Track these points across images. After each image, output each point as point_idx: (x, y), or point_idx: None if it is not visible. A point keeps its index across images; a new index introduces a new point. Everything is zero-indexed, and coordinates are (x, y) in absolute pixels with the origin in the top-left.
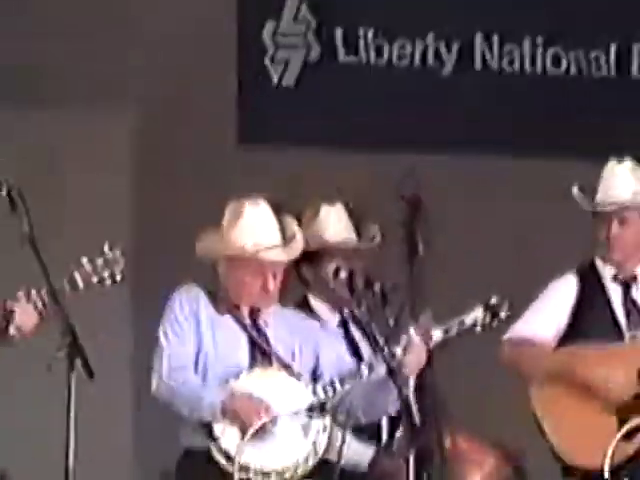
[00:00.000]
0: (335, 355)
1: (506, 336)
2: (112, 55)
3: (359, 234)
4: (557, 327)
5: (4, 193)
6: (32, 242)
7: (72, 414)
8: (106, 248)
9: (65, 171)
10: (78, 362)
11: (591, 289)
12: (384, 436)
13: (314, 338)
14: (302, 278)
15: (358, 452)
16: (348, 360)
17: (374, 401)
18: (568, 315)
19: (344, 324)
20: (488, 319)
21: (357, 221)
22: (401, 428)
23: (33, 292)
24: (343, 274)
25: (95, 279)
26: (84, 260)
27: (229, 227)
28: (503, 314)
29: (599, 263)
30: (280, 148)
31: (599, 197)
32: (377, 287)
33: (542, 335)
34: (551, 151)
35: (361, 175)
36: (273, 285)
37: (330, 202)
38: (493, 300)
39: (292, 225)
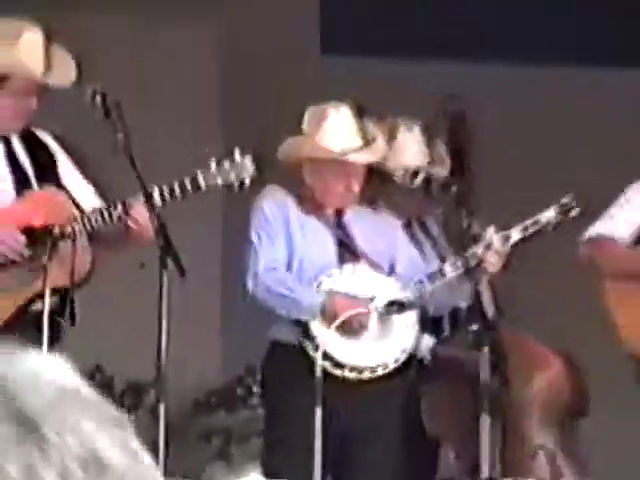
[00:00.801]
0: (410, 255)
1: (586, 235)
2: None
3: (432, 158)
4: (634, 226)
5: (98, 101)
6: (127, 149)
7: (164, 310)
8: (237, 154)
9: (152, 77)
10: (170, 261)
11: None
12: (446, 328)
13: (394, 237)
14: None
15: (426, 344)
16: (419, 262)
17: (449, 297)
18: None
19: (408, 226)
20: (561, 218)
21: (429, 143)
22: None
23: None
24: (421, 176)
25: (220, 180)
26: (212, 162)
27: (314, 130)
28: (574, 212)
29: None
30: (360, 59)
31: None
32: (454, 189)
33: (620, 234)
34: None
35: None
36: (357, 186)
37: (407, 126)
38: (565, 199)
39: (373, 129)
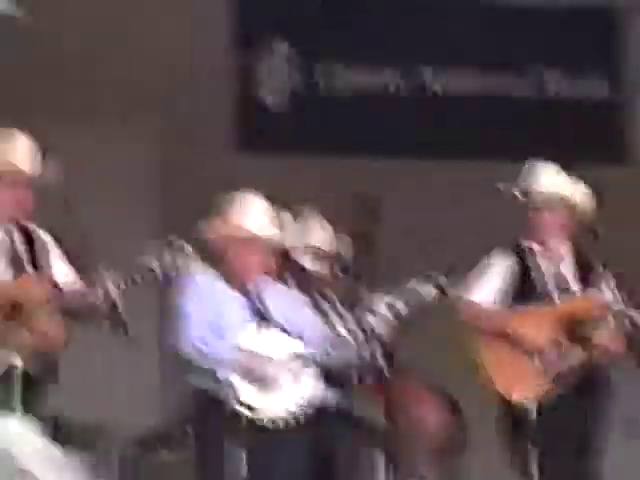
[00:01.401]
0: (315, 323)
1: (463, 299)
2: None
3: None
4: (493, 292)
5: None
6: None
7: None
8: (176, 240)
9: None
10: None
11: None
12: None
13: (302, 308)
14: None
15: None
16: (323, 329)
17: (343, 357)
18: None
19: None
20: (437, 296)
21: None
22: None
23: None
24: (325, 261)
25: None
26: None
27: (231, 214)
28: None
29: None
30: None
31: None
32: (351, 271)
33: (484, 299)
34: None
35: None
36: (269, 260)
37: (310, 212)
38: (440, 280)
39: (282, 214)
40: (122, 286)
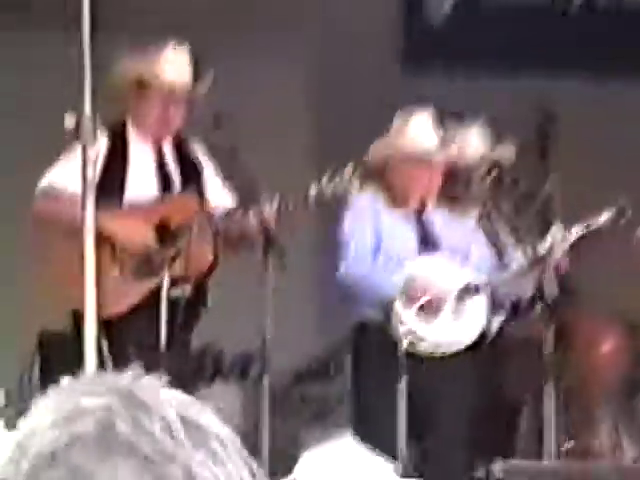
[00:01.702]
0: (482, 250)
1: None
2: None
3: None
4: None
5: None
6: (234, 151)
7: (269, 294)
8: (347, 169)
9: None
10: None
11: None
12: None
13: (468, 234)
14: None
15: (495, 324)
16: (489, 256)
17: (515, 287)
18: None
19: (485, 218)
20: (615, 220)
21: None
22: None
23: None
24: (494, 171)
25: (329, 194)
26: (324, 178)
27: (399, 133)
28: (627, 215)
29: None
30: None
31: None
32: (523, 185)
33: None
34: None
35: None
36: (434, 182)
37: (477, 127)
38: (620, 204)
39: (449, 133)
40: (279, 211)
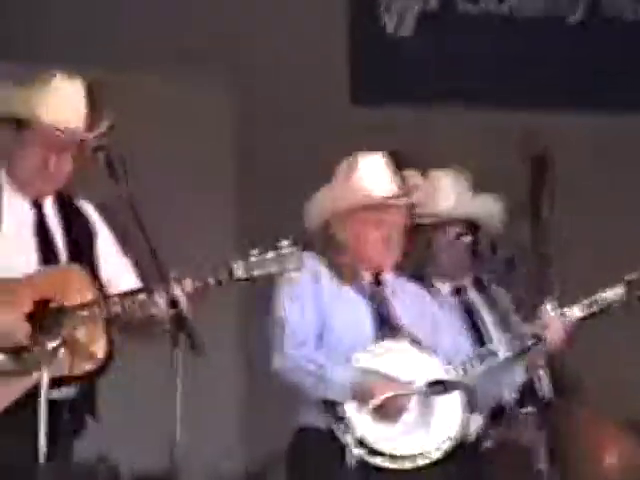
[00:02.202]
0: (455, 331)
1: None
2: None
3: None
4: None
5: (102, 158)
6: (133, 210)
7: (178, 393)
8: (284, 243)
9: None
10: (183, 337)
11: None
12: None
13: (435, 310)
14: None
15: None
16: (465, 343)
17: (494, 386)
18: None
19: (458, 292)
20: (627, 297)
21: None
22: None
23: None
24: (467, 239)
25: (257, 272)
26: (253, 251)
27: (345, 179)
28: None
29: None
30: (394, 107)
31: None
32: (502, 254)
33: None
34: None
35: (482, 135)
36: (395, 237)
37: (446, 171)
38: (633, 276)
39: (412, 177)
40: (195, 291)
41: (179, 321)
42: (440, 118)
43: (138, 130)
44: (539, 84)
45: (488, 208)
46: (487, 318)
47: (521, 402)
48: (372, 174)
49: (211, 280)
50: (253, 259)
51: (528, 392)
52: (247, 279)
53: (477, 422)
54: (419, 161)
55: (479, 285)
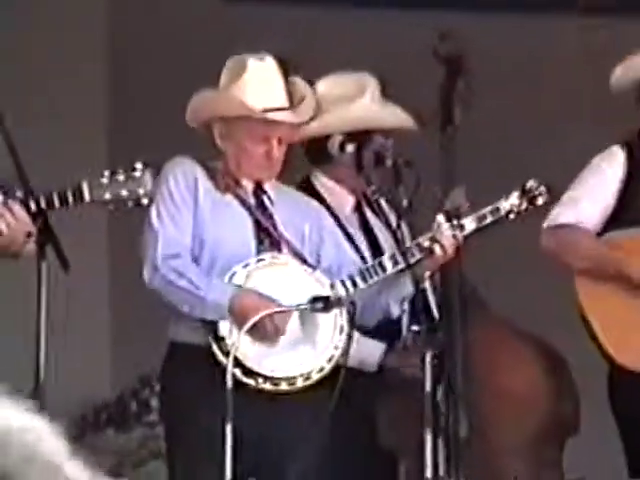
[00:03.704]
0: (338, 246)
1: (546, 223)
2: None
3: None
4: (603, 210)
5: None
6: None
7: (42, 311)
8: (138, 165)
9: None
10: (50, 250)
11: None
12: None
13: (319, 223)
14: (309, 153)
15: (366, 349)
16: (350, 256)
17: (378, 299)
18: (615, 195)
19: (358, 208)
20: (524, 205)
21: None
22: (417, 324)
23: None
24: (350, 148)
25: (108, 195)
26: (105, 172)
27: (229, 84)
28: (541, 200)
29: None
30: (277, 3)
31: None
32: (388, 163)
33: (586, 220)
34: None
35: (386, 35)
36: (278, 153)
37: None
38: (530, 183)
39: (303, 86)
40: (57, 204)
41: (45, 229)
42: (332, 18)
43: None
44: None
45: (398, 119)
46: (379, 233)
47: (411, 320)
48: (259, 81)
49: (56, 201)
50: (104, 180)
51: (420, 310)
52: (96, 201)
53: (378, 348)
54: (312, 67)
55: (366, 198)
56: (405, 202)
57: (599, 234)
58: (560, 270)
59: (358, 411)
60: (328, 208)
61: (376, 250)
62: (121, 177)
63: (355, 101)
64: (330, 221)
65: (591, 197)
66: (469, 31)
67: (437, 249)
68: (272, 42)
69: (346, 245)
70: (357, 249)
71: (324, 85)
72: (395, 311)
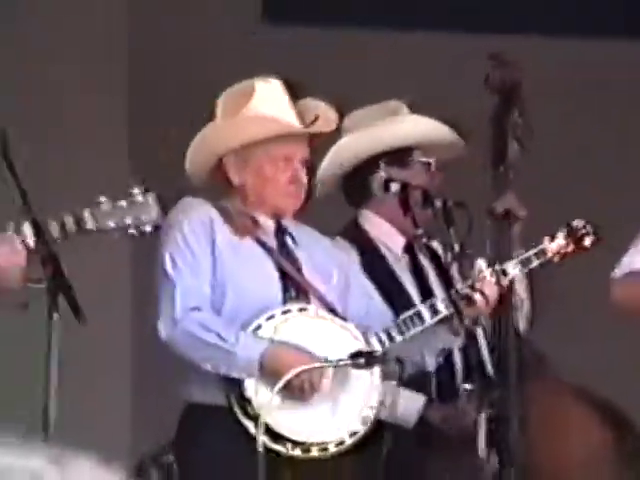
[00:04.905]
0: (365, 294)
1: (615, 273)
2: None
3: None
4: None
5: None
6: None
7: (53, 366)
8: (136, 190)
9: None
10: (62, 300)
11: None
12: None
13: (347, 268)
14: (349, 194)
15: (407, 403)
16: (379, 306)
17: (413, 351)
18: None
19: (410, 249)
20: (571, 247)
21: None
22: (470, 382)
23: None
24: (394, 187)
25: (112, 223)
26: (102, 198)
27: (236, 111)
28: (588, 241)
29: None
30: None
31: None
32: (437, 204)
33: None
34: None
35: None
36: (303, 176)
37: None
38: (576, 222)
39: (314, 105)
40: (55, 234)
41: (56, 277)
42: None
43: None
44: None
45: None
46: (431, 278)
47: (462, 377)
48: (271, 101)
49: (54, 232)
50: (105, 208)
51: (475, 366)
52: (100, 231)
53: (417, 402)
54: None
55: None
56: (457, 246)
57: None
58: (634, 324)
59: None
60: (375, 249)
61: (427, 296)
62: (123, 203)
63: (399, 114)
64: (356, 267)
65: None
66: (526, 56)
67: (478, 297)
68: (299, 65)
69: (375, 294)
70: (404, 294)
71: (355, 115)
72: (431, 364)
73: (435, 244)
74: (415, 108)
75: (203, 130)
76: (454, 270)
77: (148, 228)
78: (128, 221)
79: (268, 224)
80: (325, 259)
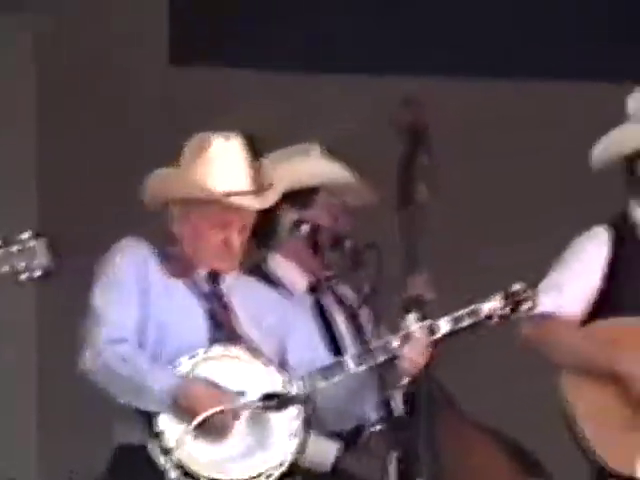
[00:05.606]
0: (307, 342)
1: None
2: None
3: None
4: (586, 296)
5: None
6: None
7: None
8: (26, 235)
9: None
10: None
11: (628, 245)
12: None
13: (285, 317)
14: (258, 236)
15: (321, 449)
16: (322, 353)
17: (351, 404)
18: (600, 280)
19: (314, 290)
20: (507, 310)
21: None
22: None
23: None
24: (304, 227)
25: (7, 267)
26: None
27: (190, 163)
28: (526, 306)
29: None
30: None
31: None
32: (347, 245)
33: (569, 308)
34: (583, 73)
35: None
36: (237, 242)
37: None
38: (515, 287)
39: (271, 170)
40: None
41: None
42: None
43: None
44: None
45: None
46: (337, 320)
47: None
48: (223, 162)
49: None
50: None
51: (383, 406)
52: None
53: (332, 447)
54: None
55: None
56: (367, 288)
57: (584, 321)
58: (539, 363)
59: None
60: (282, 288)
61: (332, 340)
62: (15, 248)
63: (303, 158)
64: (303, 317)
65: (575, 282)
66: (434, 97)
67: (407, 354)
68: (210, 106)
69: (320, 344)
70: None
71: (271, 159)
72: (372, 417)
73: (342, 289)
74: (328, 151)
75: (161, 170)
76: (364, 318)
77: (38, 273)
78: (21, 265)
79: (202, 270)
80: (261, 307)
